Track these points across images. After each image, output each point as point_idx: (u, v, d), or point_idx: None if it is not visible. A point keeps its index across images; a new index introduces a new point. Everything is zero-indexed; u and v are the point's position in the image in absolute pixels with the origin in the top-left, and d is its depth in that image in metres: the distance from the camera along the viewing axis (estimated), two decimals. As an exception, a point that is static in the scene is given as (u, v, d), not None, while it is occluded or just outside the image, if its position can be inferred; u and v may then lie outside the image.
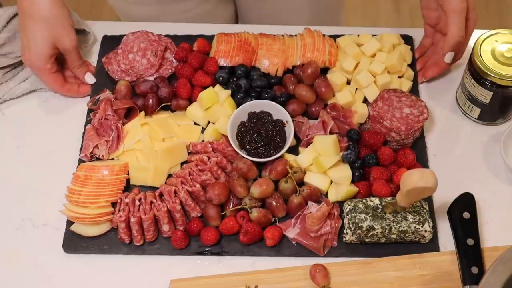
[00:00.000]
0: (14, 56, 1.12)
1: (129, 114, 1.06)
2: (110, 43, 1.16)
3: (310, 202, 0.96)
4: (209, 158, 0.99)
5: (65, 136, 1.08)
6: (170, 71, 1.12)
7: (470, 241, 0.92)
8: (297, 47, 1.11)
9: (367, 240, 0.94)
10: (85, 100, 1.11)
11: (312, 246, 0.94)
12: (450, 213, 0.96)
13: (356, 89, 1.08)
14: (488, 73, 0.98)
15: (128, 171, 1.01)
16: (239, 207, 0.96)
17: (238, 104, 1.06)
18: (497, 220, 0.98)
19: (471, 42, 1.05)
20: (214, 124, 1.04)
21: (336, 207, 0.96)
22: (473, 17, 1.03)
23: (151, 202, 0.96)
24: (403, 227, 0.91)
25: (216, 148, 1.01)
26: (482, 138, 1.06)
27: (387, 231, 0.92)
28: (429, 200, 0.98)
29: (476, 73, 1.00)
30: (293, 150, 1.03)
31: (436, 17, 1.05)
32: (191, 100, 1.08)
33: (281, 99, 1.06)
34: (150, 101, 1.05)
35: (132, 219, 0.93)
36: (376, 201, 0.94)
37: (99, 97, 1.06)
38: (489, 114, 1.05)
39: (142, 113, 1.06)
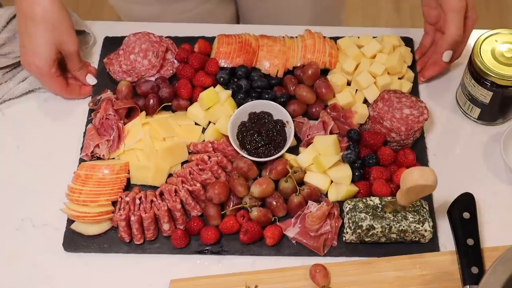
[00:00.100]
0: (14, 56, 1.12)
1: (130, 114, 1.07)
2: (112, 44, 1.16)
3: (310, 202, 0.96)
4: (209, 157, 0.99)
5: (65, 136, 1.08)
6: (171, 72, 1.12)
7: (470, 241, 0.92)
8: (298, 49, 1.11)
9: (367, 239, 0.94)
10: (86, 101, 1.11)
11: (312, 245, 0.94)
12: (450, 213, 0.96)
13: (356, 90, 1.09)
14: (488, 73, 0.98)
15: (128, 170, 1.01)
16: (239, 206, 0.96)
17: (238, 105, 1.06)
18: (497, 220, 0.98)
19: (471, 42, 1.05)
20: (214, 124, 1.05)
21: (336, 207, 0.96)
22: (473, 16, 1.04)
23: (152, 201, 0.96)
24: (403, 227, 0.91)
25: (217, 147, 1.02)
26: (482, 138, 1.06)
27: (387, 231, 0.92)
28: (429, 199, 0.98)
29: (476, 73, 1.00)
30: (294, 150, 1.03)
31: (436, 15, 1.05)
32: (192, 100, 1.08)
33: (282, 100, 1.06)
34: (151, 101, 1.05)
35: (132, 218, 0.94)
36: (376, 200, 0.94)
37: (100, 97, 1.07)
38: (489, 114, 1.05)
39: (143, 113, 1.06)
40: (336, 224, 0.95)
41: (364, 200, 0.94)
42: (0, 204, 1.02)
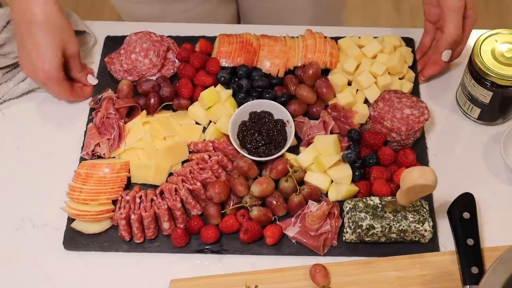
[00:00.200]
0: (13, 56, 1.12)
1: (131, 113, 1.07)
2: (113, 43, 1.17)
3: (310, 201, 0.96)
4: (210, 156, 0.99)
5: (65, 135, 1.08)
6: (172, 71, 1.13)
7: (470, 241, 0.92)
8: (299, 48, 1.11)
9: (367, 239, 0.94)
10: (86, 100, 1.11)
11: (312, 245, 0.94)
12: (450, 213, 0.96)
13: (357, 90, 1.09)
14: (488, 73, 0.98)
15: (129, 169, 1.01)
16: (239, 205, 0.96)
17: (239, 104, 1.06)
18: (497, 220, 0.98)
19: (471, 42, 1.05)
20: (215, 123, 1.05)
21: (336, 206, 0.96)
22: (472, 16, 1.04)
23: (152, 200, 0.96)
24: (403, 226, 0.92)
25: (217, 147, 1.02)
26: (482, 138, 1.06)
27: (387, 230, 0.92)
28: (429, 199, 0.98)
29: (476, 73, 1.00)
30: (294, 150, 1.03)
31: (437, 14, 1.05)
32: (192, 99, 1.08)
33: (282, 99, 1.06)
34: (152, 100, 1.05)
35: (132, 217, 0.94)
36: (376, 200, 0.94)
37: (101, 96, 1.07)
38: (489, 114, 1.05)
39: (144, 112, 1.06)
40: (336, 223, 0.95)
41: (364, 200, 0.94)
42: (0, 204, 1.02)
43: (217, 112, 1.05)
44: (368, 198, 0.94)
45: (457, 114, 1.09)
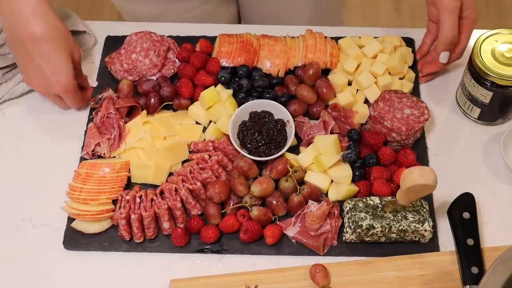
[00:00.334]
0: (13, 56, 1.12)
1: (131, 113, 1.07)
2: (113, 43, 1.17)
3: (310, 201, 0.96)
4: (210, 156, 0.99)
5: (65, 135, 1.08)
6: (172, 71, 1.13)
7: (470, 241, 0.92)
8: (299, 48, 1.11)
9: (367, 239, 0.94)
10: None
11: (312, 244, 0.94)
12: (450, 213, 0.96)
13: (357, 90, 1.09)
14: (488, 73, 0.98)
15: (129, 169, 1.01)
16: (239, 205, 0.96)
17: (239, 104, 1.06)
18: (497, 220, 0.98)
19: (471, 42, 1.05)
20: (215, 123, 1.05)
21: (336, 206, 0.96)
22: (471, 16, 1.03)
23: (152, 200, 0.96)
24: (403, 226, 0.92)
25: (217, 146, 1.02)
26: (482, 138, 1.06)
27: (387, 230, 0.92)
28: (429, 199, 0.98)
29: (476, 73, 1.00)
30: (294, 150, 1.03)
31: (438, 14, 1.05)
32: (193, 99, 1.08)
33: (283, 99, 1.06)
34: (152, 100, 1.05)
35: (132, 216, 0.94)
36: (376, 200, 0.94)
37: (102, 96, 1.07)
38: (489, 114, 1.05)
39: (144, 111, 1.06)
40: (336, 223, 0.95)
41: (364, 200, 0.94)
42: (0, 204, 1.02)
43: (217, 112, 1.05)
44: (368, 198, 0.94)
45: (457, 114, 1.09)
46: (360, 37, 1.13)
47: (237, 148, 1.00)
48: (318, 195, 0.98)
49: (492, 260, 0.76)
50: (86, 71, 1.15)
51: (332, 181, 0.99)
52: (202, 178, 0.97)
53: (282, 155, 1.00)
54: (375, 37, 1.12)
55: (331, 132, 1.02)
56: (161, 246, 0.96)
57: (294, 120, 1.03)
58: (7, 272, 0.95)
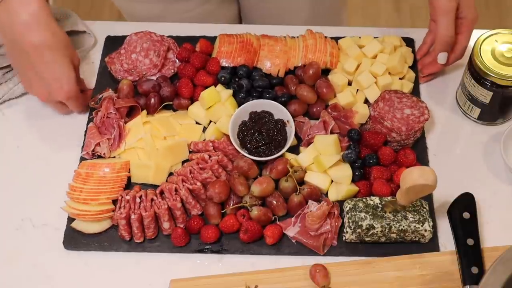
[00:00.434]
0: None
1: (131, 113, 1.07)
2: (113, 43, 1.17)
3: (310, 201, 0.96)
4: (210, 156, 0.99)
5: (65, 135, 1.08)
6: (172, 71, 1.13)
7: (470, 241, 0.92)
8: (299, 48, 1.11)
9: (367, 239, 0.94)
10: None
11: (312, 244, 0.94)
12: (450, 213, 0.96)
13: (357, 90, 1.09)
14: (488, 73, 0.98)
15: (129, 169, 1.01)
16: (239, 205, 0.96)
17: (239, 104, 1.06)
18: (497, 220, 0.98)
19: (471, 42, 1.05)
20: (215, 123, 1.05)
21: (336, 206, 0.96)
22: (469, 16, 1.03)
23: (152, 200, 0.96)
24: (403, 226, 0.92)
25: (217, 146, 1.02)
26: (482, 138, 1.06)
27: (387, 230, 0.92)
28: (429, 199, 0.98)
29: (476, 73, 1.00)
30: (294, 150, 1.03)
31: None
32: (193, 99, 1.08)
33: (283, 99, 1.06)
34: (152, 100, 1.05)
35: (132, 216, 0.94)
36: (376, 200, 0.94)
37: (102, 96, 1.07)
38: (489, 114, 1.05)
39: (144, 111, 1.06)
40: (336, 223, 0.95)
41: (364, 200, 0.94)
42: (0, 204, 1.02)
43: (217, 112, 1.05)
44: (368, 198, 0.94)
45: (457, 114, 1.09)
46: (360, 37, 1.13)
47: (237, 148, 1.00)
48: (318, 195, 0.98)
49: (492, 260, 0.76)
50: (86, 71, 1.15)
51: (332, 181, 0.99)
52: (202, 178, 0.97)
53: (282, 155, 1.00)
54: (375, 37, 1.12)
55: (331, 132, 1.02)
56: (161, 246, 0.96)
57: (294, 120, 1.03)
58: (7, 272, 0.95)
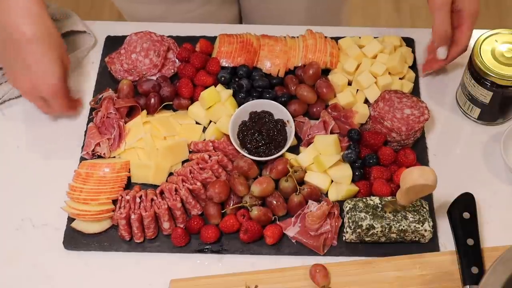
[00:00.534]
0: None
1: (131, 113, 1.07)
2: (113, 43, 1.17)
3: (310, 201, 0.96)
4: (210, 156, 0.99)
5: (65, 135, 1.08)
6: (172, 71, 1.13)
7: (470, 241, 0.92)
8: (299, 48, 1.11)
9: (367, 239, 0.94)
10: (86, 100, 1.11)
11: (312, 244, 0.94)
12: (450, 213, 0.96)
13: (357, 90, 1.09)
14: (488, 73, 0.98)
15: (129, 169, 1.01)
16: (239, 205, 0.96)
17: (239, 104, 1.06)
18: (497, 220, 0.98)
19: (470, 43, 1.05)
20: (215, 123, 1.05)
21: (336, 206, 0.96)
22: (468, 7, 0.99)
23: (152, 200, 0.96)
24: (403, 226, 0.92)
25: (217, 146, 1.02)
26: (482, 138, 1.06)
27: (387, 230, 0.92)
28: (429, 199, 0.98)
29: (476, 73, 1.00)
30: (294, 150, 1.03)
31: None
32: (193, 99, 1.08)
33: (283, 99, 1.06)
34: (152, 100, 1.05)
35: (132, 216, 0.94)
36: (376, 200, 0.94)
37: (102, 96, 1.07)
38: (489, 114, 1.05)
39: (144, 111, 1.06)
40: (336, 223, 0.95)
41: (364, 200, 0.94)
42: (0, 204, 1.01)
43: (217, 112, 1.05)
44: (368, 198, 0.94)
45: (457, 114, 1.09)
46: (360, 37, 1.13)
47: (237, 148, 1.00)
48: (318, 195, 0.98)
49: (492, 260, 0.76)
50: (86, 71, 1.15)
51: (332, 181, 0.99)
52: (202, 178, 0.97)
53: (282, 155, 1.00)
54: (375, 37, 1.12)
55: (331, 132, 1.02)
56: (161, 246, 0.96)
57: (294, 120, 1.03)
58: (7, 272, 0.95)
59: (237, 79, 1.09)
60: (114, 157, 1.03)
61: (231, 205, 0.97)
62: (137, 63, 1.11)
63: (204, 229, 0.95)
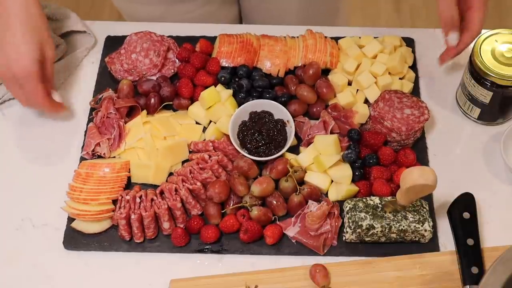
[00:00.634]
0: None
1: (131, 113, 1.07)
2: (113, 43, 1.17)
3: (310, 201, 0.96)
4: (210, 156, 0.99)
5: (65, 135, 1.08)
6: (172, 71, 1.13)
7: (470, 241, 0.92)
8: (299, 48, 1.12)
9: (367, 239, 0.94)
10: (86, 100, 1.11)
11: (312, 244, 0.94)
12: (450, 213, 0.96)
13: (357, 90, 1.09)
14: (488, 73, 0.98)
15: (129, 169, 1.01)
16: (239, 205, 0.96)
17: (239, 104, 1.06)
18: (497, 220, 0.98)
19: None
20: (215, 123, 1.05)
21: (336, 206, 0.96)
22: None
23: (152, 200, 0.96)
24: (403, 226, 0.92)
25: (217, 146, 1.02)
26: (482, 138, 1.06)
27: (387, 230, 0.92)
28: (429, 199, 0.98)
29: (476, 73, 1.00)
30: (294, 150, 1.03)
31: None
32: (193, 99, 1.08)
33: (283, 99, 1.06)
34: (152, 100, 1.05)
35: (132, 216, 0.94)
36: (376, 200, 0.94)
37: (102, 96, 1.07)
38: (489, 114, 1.05)
39: (144, 111, 1.06)
40: (336, 223, 0.95)
41: (364, 200, 0.94)
42: (0, 204, 1.02)
43: (217, 112, 1.05)
44: (368, 198, 0.94)
45: (457, 114, 1.09)
46: (360, 37, 1.13)
47: (237, 148, 1.00)
48: (318, 195, 0.98)
49: (492, 260, 0.76)
50: (86, 71, 1.15)
51: (332, 181, 0.99)
52: (202, 178, 0.97)
53: (282, 155, 1.00)
54: (375, 37, 1.12)
55: (331, 132, 1.02)
56: (161, 246, 0.96)
57: (294, 120, 1.03)
58: (7, 272, 0.95)
59: (237, 79, 1.09)
60: (114, 157, 1.03)
61: (231, 205, 0.97)
62: (137, 63, 1.11)
63: (204, 229, 0.95)
